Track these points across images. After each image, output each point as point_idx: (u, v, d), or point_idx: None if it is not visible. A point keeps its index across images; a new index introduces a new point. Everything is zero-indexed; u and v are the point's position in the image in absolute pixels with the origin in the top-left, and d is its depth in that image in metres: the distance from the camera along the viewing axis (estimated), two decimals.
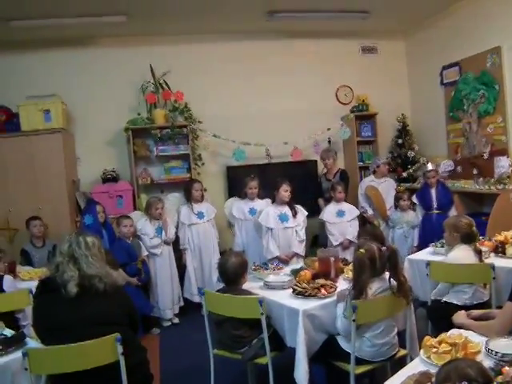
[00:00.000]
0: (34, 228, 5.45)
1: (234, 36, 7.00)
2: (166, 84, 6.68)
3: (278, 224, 5.22)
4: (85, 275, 2.70)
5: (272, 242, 5.21)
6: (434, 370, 2.00)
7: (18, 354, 2.61)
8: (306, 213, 5.44)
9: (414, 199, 5.97)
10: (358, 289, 2.98)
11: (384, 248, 3.10)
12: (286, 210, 5.27)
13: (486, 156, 6.16)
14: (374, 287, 3.03)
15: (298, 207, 5.37)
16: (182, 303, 5.71)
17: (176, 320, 5.61)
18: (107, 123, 6.65)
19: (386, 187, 6.50)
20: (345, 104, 7.61)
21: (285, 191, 5.22)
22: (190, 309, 5.69)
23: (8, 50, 6.32)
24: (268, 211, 5.28)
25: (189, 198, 5.77)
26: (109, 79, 6.65)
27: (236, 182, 6.34)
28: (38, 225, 5.47)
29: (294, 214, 5.26)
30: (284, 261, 5.05)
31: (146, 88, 6.66)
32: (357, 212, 5.90)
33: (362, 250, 3.04)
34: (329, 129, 7.20)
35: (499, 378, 1.80)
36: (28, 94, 6.09)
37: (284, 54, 7.24)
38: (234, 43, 7.05)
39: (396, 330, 3.17)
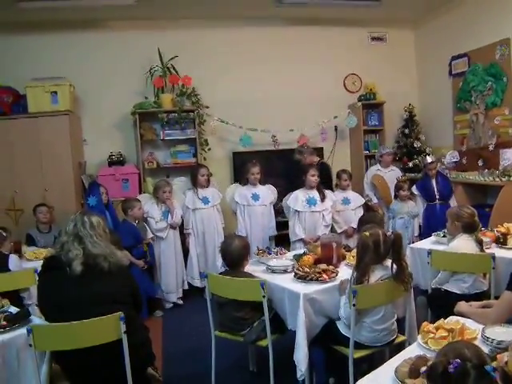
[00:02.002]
0: (40, 214, 5.49)
1: (243, 22, 6.99)
2: (174, 68, 6.69)
3: (306, 208, 5.28)
4: (89, 254, 2.74)
5: (298, 225, 5.29)
6: (430, 355, 2.04)
7: (23, 331, 2.64)
8: (335, 198, 5.53)
9: (414, 190, 5.98)
10: (361, 271, 3.01)
11: (389, 233, 3.12)
12: (315, 194, 5.32)
13: (491, 148, 6.16)
14: (378, 274, 3.06)
15: (327, 192, 5.44)
16: (186, 286, 5.74)
17: (180, 301, 5.65)
18: (114, 106, 6.66)
19: (392, 177, 6.51)
20: (352, 92, 7.62)
21: (312, 176, 5.28)
22: (192, 292, 5.74)
23: (16, 31, 6.32)
24: (297, 194, 5.34)
25: (194, 183, 5.77)
26: (117, 62, 6.66)
27: (242, 167, 6.33)
28: (43, 211, 5.51)
29: (323, 198, 5.32)
30: (308, 244, 5.09)
31: (153, 72, 6.67)
32: (362, 200, 5.92)
33: (366, 233, 3.07)
34: (336, 117, 7.21)
35: (494, 364, 1.83)
36: (36, 76, 6.09)
37: (293, 40, 7.24)
38: (243, 29, 7.04)
39: (395, 317, 3.20)
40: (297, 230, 5.29)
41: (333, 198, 5.48)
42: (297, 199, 5.32)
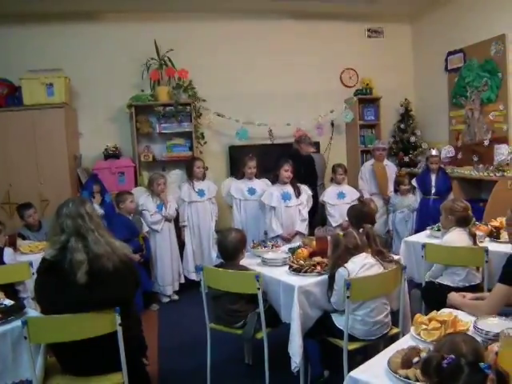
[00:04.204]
0: (29, 218, 5.18)
1: (240, 15, 6.98)
2: (170, 61, 6.65)
3: (281, 203, 5.27)
4: (93, 257, 2.60)
5: (275, 221, 5.27)
6: (422, 346, 2.06)
7: (18, 323, 2.63)
8: (310, 192, 5.51)
9: (414, 183, 6.03)
10: (332, 263, 3.24)
11: (361, 229, 3.32)
12: (289, 189, 5.31)
13: (486, 143, 6.21)
14: (359, 263, 3.13)
15: (302, 187, 5.42)
16: (182, 280, 5.75)
17: (175, 297, 5.66)
18: (110, 99, 6.64)
19: (387, 171, 6.52)
20: (349, 87, 7.63)
21: (285, 171, 5.27)
22: (188, 286, 5.73)
23: (11, 23, 6.30)
24: (271, 191, 5.33)
25: (190, 176, 5.77)
26: (113, 55, 6.64)
27: (238, 161, 6.32)
28: (32, 213, 5.19)
29: (298, 195, 5.31)
30: (286, 239, 5.12)
31: (150, 65, 6.64)
32: (357, 194, 5.95)
33: (340, 233, 3.35)
34: (332, 111, 7.23)
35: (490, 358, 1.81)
36: (31, 68, 6.07)
37: (290, 34, 7.24)
38: (240, 22, 7.03)
39: (389, 309, 3.23)
40: (274, 226, 5.26)
41: (308, 193, 5.47)
42: (271, 195, 5.31)
